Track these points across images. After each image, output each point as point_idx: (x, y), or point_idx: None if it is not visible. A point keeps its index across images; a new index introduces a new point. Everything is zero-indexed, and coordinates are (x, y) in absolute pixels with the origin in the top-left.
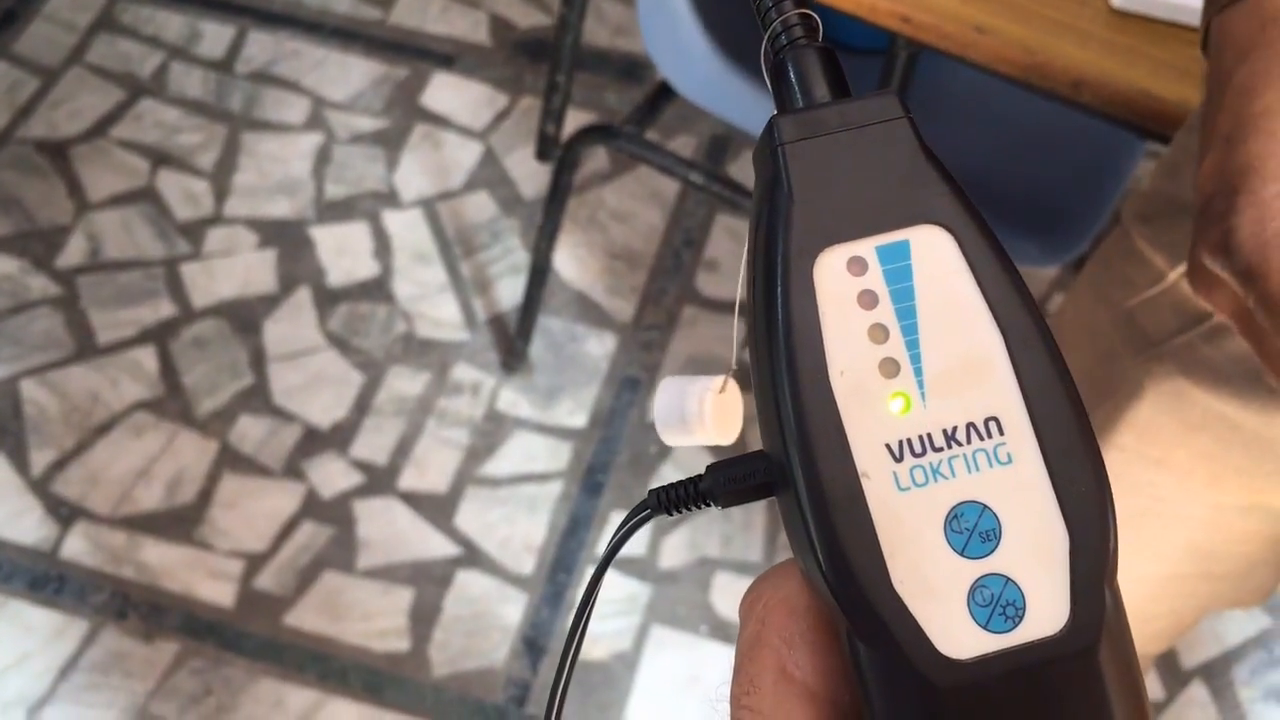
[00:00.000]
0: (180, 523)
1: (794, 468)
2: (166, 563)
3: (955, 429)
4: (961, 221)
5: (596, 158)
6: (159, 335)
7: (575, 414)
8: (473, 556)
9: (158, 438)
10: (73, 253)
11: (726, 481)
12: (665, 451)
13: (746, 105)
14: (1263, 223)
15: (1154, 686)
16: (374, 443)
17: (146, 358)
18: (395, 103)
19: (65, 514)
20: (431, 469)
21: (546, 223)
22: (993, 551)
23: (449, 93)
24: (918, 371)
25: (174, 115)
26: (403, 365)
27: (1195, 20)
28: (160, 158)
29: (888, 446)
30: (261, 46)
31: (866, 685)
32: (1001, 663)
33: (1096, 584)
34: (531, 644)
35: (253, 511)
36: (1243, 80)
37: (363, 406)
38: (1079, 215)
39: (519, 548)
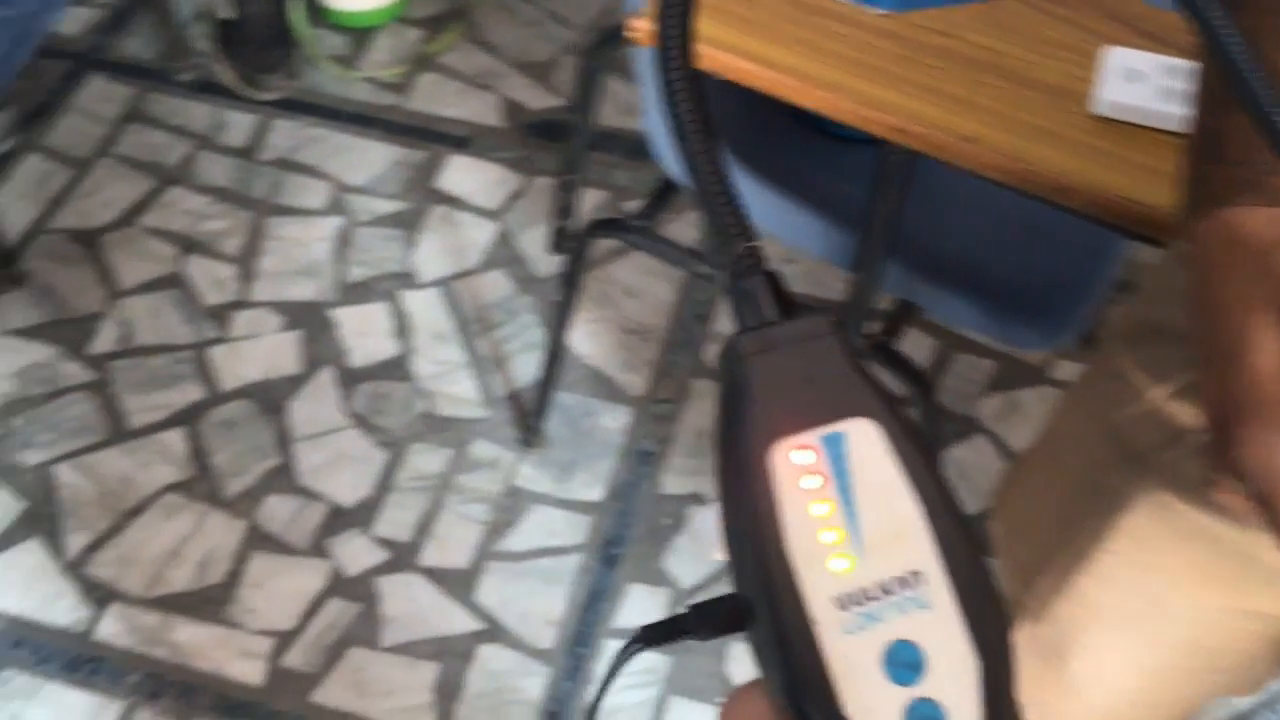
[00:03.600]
0: (211, 603)
1: (761, 621)
2: (198, 642)
3: (886, 581)
4: (884, 413)
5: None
6: (188, 418)
7: (592, 487)
8: (494, 631)
9: (188, 519)
10: (105, 339)
11: (705, 619)
12: (679, 524)
13: (747, 199)
14: (1268, 457)
15: None
16: (397, 520)
17: (176, 440)
18: (412, 185)
19: (100, 596)
20: (452, 545)
21: (561, 308)
22: (920, 679)
23: (464, 174)
24: (856, 536)
25: (201, 203)
26: (423, 443)
27: (1174, 125)
28: (188, 244)
29: (835, 599)
30: (284, 134)
31: None
32: None
33: (1005, 700)
34: (553, 718)
35: (281, 590)
36: (1223, 302)
37: (385, 484)
38: (1070, 303)
39: (539, 621)
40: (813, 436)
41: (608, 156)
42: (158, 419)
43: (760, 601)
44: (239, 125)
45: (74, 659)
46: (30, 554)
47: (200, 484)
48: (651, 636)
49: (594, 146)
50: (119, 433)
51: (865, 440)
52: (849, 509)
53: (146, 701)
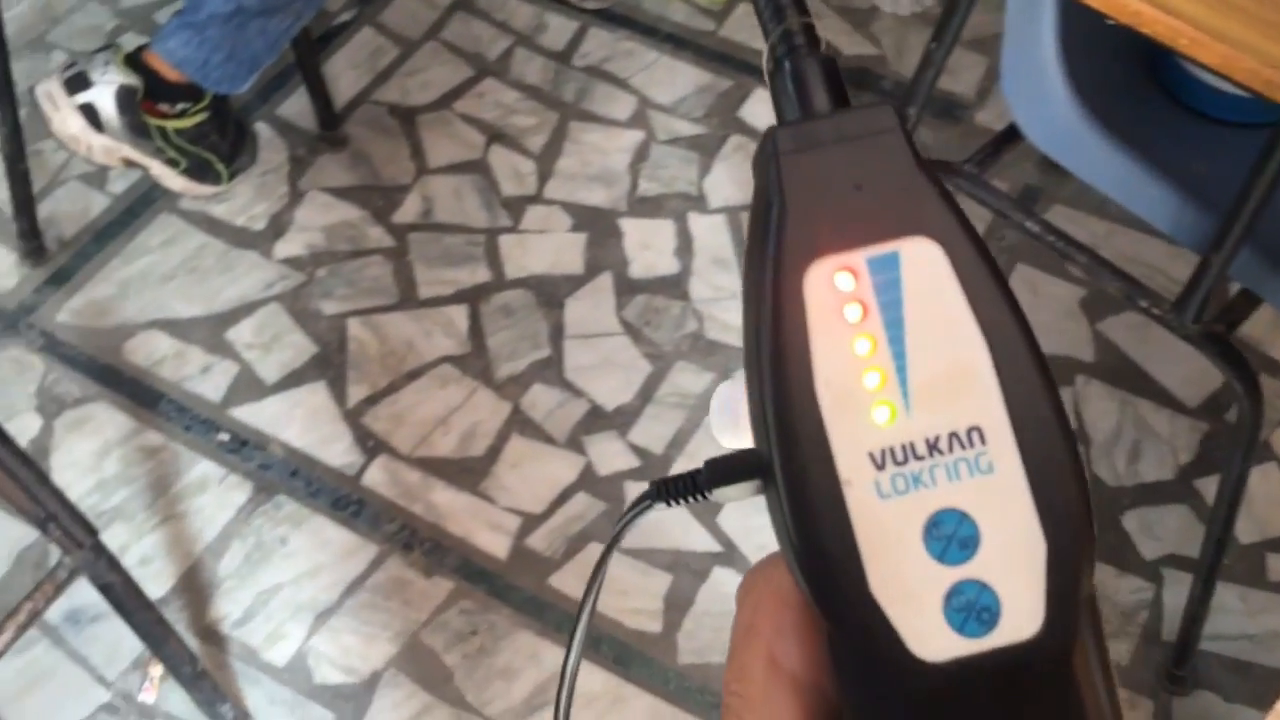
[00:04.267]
0: (468, 473)
1: (777, 475)
2: (452, 507)
3: (938, 438)
4: (952, 233)
5: None
6: (472, 297)
7: None
8: (731, 556)
9: (459, 391)
10: (408, 210)
11: (721, 476)
12: None
13: (1098, 160)
14: None
15: None
16: (652, 431)
17: (459, 316)
18: (715, 111)
19: (371, 446)
20: None
21: None
22: (970, 558)
23: (768, 108)
24: (903, 382)
25: (512, 97)
26: (689, 362)
27: None
28: (495, 134)
29: (870, 455)
30: (599, 43)
31: (843, 682)
32: (974, 666)
33: (1071, 592)
34: None
35: (534, 474)
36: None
37: (646, 394)
38: None
39: None
40: (859, 257)
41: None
42: (444, 293)
43: (778, 455)
44: (558, 29)
45: (340, 498)
46: (316, 395)
47: (474, 361)
48: (663, 491)
49: (897, 97)
50: (408, 299)
51: (925, 264)
52: (898, 348)
53: (399, 551)
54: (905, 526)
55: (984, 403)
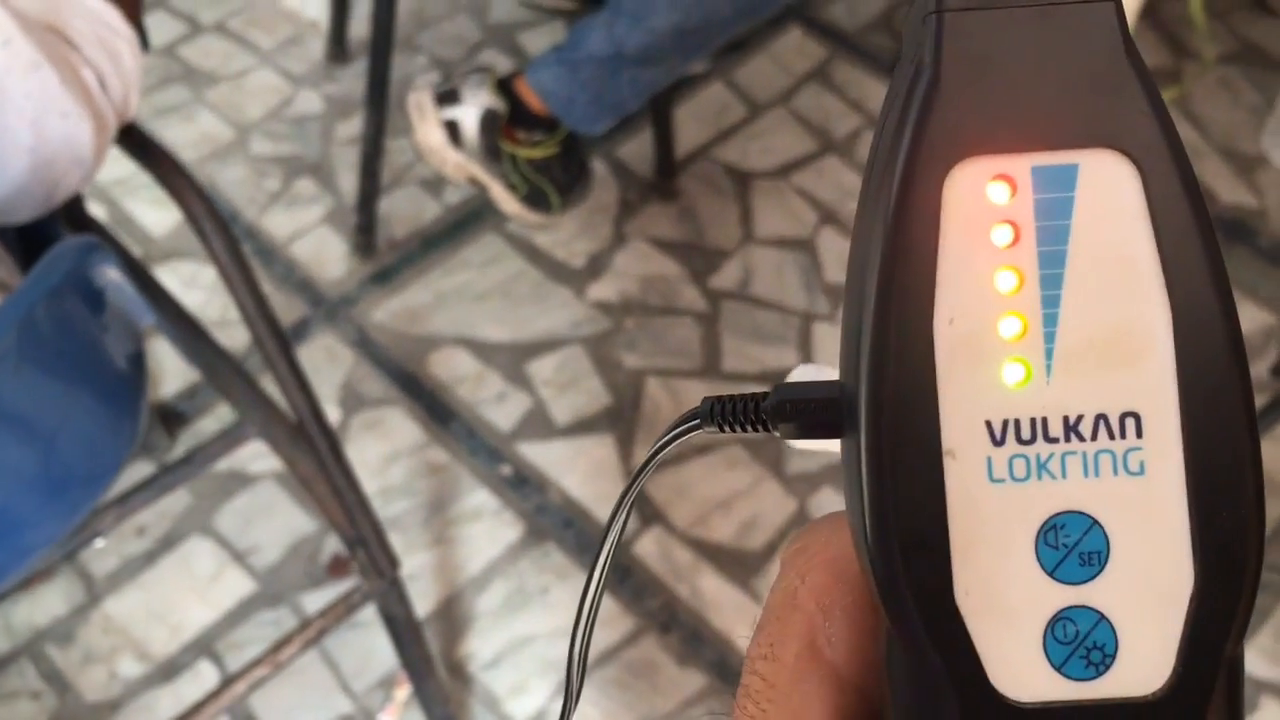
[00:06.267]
0: (741, 565)
1: (861, 424)
2: (718, 598)
3: (1080, 419)
4: (1155, 152)
5: None
6: (776, 380)
7: None
8: None
9: (746, 477)
10: (727, 276)
11: (791, 406)
12: None
13: None
14: None
15: None
16: None
17: None
18: None
19: (648, 514)
20: None
21: None
22: (1092, 579)
23: None
24: (1049, 337)
25: (852, 180)
26: None
27: None
28: (828, 215)
29: (988, 424)
30: None
31: (895, 698)
32: (1069, 718)
33: (1216, 647)
34: None
35: None
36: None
37: None
38: None
39: None
40: (1023, 163)
41: None
42: (748, 370)
43: (867, 400)
44: None
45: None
46: (602, 447)
47: (767, 448)
48: (716, 412)
49: (1275, 256)
50: (710, 368)
51: (1109, 188)
52: (1052, 291)
53: (656, 630)
54: (1016, 523)
55: (1151, 383)
